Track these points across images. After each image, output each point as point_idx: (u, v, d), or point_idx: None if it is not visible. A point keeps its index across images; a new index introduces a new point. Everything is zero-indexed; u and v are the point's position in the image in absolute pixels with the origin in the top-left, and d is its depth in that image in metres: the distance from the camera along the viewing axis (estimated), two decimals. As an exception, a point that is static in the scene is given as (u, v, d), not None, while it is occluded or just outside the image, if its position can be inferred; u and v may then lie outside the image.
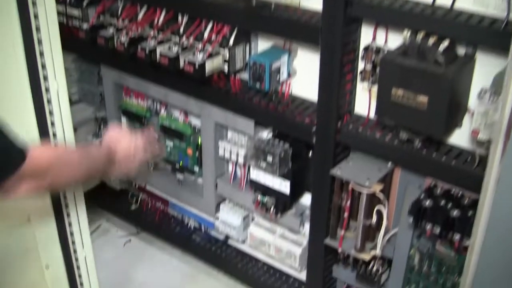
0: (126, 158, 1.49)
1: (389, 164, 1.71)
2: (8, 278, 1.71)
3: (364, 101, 1.70)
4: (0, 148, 1.16)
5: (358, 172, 1.68)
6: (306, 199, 1.97)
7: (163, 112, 2.20)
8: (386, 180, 1.72)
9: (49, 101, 1.58)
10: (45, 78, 1.55)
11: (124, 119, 2.33)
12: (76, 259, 1.84)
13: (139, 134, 1.55)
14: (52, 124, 1.62)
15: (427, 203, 1.57)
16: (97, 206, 2.63)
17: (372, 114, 1.69)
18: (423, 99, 1.44)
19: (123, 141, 1.49)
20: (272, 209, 1.95)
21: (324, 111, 1.68)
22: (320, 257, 1.91)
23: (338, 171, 1.70)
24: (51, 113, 1.60)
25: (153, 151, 1.60)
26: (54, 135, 1.63)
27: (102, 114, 2.43)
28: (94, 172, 1.46)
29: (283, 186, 1.86)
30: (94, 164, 1.42)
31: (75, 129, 2.30)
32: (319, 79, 1.64)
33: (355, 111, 1.74)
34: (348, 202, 1.72)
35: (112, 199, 2.59)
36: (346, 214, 1.75)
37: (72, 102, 2.37)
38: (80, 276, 1.87)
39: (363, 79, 1.67)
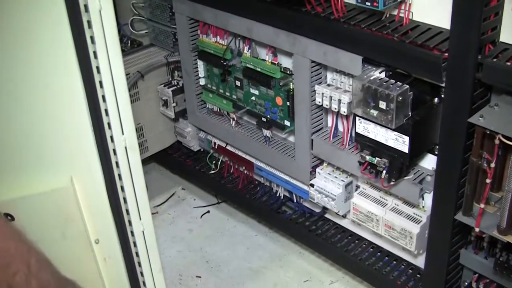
0: None
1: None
2: (50, 251, 1.39)
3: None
4: None
5: (509, 121, 1.27)
6: (428, 162, 1.61)
7: (246, 51, 1.87)
8: (548, 135, 1.28)
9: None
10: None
11: (200, 63, 2.02)
12: (132, 234, 1.56)
13: None
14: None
15: None
16: (170, 170, 2.45)
17: (526, 41, 1.28)
18: None
19: None
20: (383, 173, 1.57)
21: (459, 38, 1.29)
22: (446, 238, 1.53)
23: (480, 120, 1.28)
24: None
25: None
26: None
27: (175, 59, 2.14)
28: None
29: (400, 142, 1.48)
30: None
31: (142, 76, 2.06)
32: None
33: (500, 39, 1.35)
34: (492, 164, 1.30)
35: (189, 162, 2.35)
36: (488, 180, 1.33)
37: (143, 47, 2.21)
38: (137, 254, 1.59)
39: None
